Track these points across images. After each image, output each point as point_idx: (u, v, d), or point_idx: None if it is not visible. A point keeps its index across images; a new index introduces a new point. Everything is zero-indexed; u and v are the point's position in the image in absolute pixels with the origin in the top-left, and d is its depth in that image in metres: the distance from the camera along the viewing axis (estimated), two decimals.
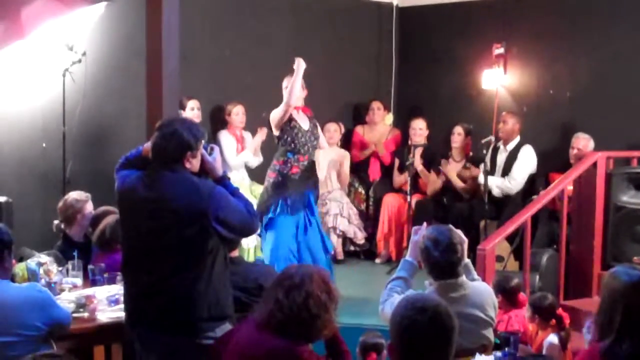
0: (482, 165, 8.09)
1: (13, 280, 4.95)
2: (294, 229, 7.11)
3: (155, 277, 4.18)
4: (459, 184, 8.50)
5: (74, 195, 6.19)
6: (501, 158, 8.37)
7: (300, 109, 7.29)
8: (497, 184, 8.19)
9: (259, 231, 6.54)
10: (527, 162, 8.23)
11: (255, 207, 4.43)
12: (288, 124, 7.16)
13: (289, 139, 7.17)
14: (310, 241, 7.17)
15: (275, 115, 7.15)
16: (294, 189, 7.12)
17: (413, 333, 3.12)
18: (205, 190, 4.15)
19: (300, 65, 7.07)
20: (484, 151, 8.32)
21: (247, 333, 3.84)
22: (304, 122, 7.26)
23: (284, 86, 7.20)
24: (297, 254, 7.07)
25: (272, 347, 3.67)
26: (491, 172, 8.24)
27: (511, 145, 8.32)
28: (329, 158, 8.75)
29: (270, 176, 7.23)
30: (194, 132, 4.25)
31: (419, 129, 8.88)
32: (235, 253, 4.68)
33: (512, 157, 8.28)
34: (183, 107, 8.10)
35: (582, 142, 7.74)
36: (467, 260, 4.52)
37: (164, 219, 4.12)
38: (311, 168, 7.34)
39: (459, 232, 4.49)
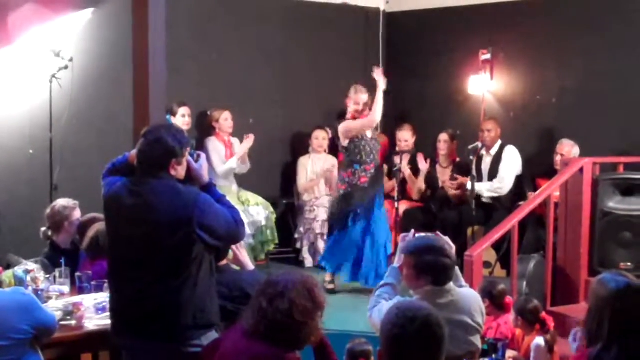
0: (471, 174, 8.12)
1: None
2: (361, 233, 7.60)
3: (140, 285, 4.15)
4: (450, 190, 8.51)
5: (61, 202, 6.16)
6: (486, 163, 8.40)
7: (363, 117, 7.56)
8: (487, 188, 8.22)
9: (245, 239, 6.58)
10: (513, 161, 8.28)
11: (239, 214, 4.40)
12: (357, 135, 7.29)
13: (356, 150, 7.55)
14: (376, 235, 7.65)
15: (352, 127, 7.41)
16: (364, 197, 7.60)
17: (403, 342, 3.12)
18: (189, 197, 4.13)
19: (382, 78, 7.48)
20: (471, 157, 8.30)
21: (234, 341, 3.82)
22: (369, 130, 7.51)
23: (353, 95, 7.61)
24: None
25: (260, 353, 3.65)
26: (478, 178, 8.25)
27: (494, 149, 8.36)
28: (318, 165, 8.75)
29: (341, 188, 7.67)
30: (180, 139, 4.24)
31: (404, 141, 8.87)
32: (224, 262, 4.66)
33: (497, 159, 8.32)
34: (174, 114, 8.09)
35: (567, 148, 7.77)
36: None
37: (149, 226, 4.10)
38: (377, 172, 7.76)
39: (447, 238, 4.49)
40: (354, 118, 7.66)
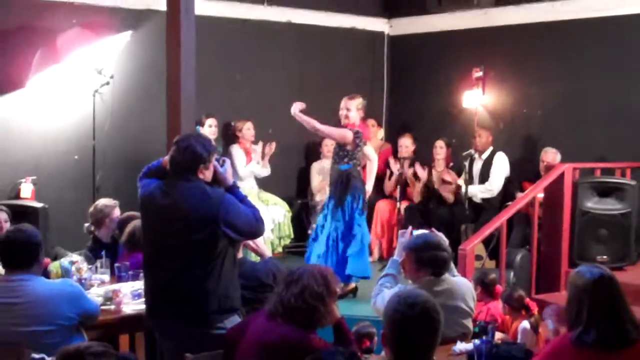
0: (462, 176, 8.11)
1: (48, 277, 4.97)
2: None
3: (171, 274, 4.16)
4: (441, 187, 8.49)
5: (103, 201, 6.18)
6: (477, 166, 8.38)
7: (348, 125, 7.16)
8: (479, 190, 8.21)
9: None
10: (502, 166, 8.25)
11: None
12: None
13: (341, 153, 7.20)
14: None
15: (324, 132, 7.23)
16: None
17: (404, 325, 3.12)
18: (216, 198, 4.14)
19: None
20: (465, 162, 8.32)
21: (258, 324, 3.84)
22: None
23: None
24: None
25: (285, 334, 3.67)
26: (470, 181, 8.25)
27: (485, 155, 8.34)
28: (328, 169, 8.74)
29: None
30: (207, 146, 4.25)
31: (405, 147, 8.87)
32: (239, 255, 4.66)
33: (488, 164, 8.29)
34: (202, 124, 8.11)
35: (550, 155, 7.75)
36: None
37: (180, 222, 4.12)
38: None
39: (441, 234, 4.50)
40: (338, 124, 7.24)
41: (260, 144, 8.46)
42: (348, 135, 7.03)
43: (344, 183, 7.03)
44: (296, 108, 7.01)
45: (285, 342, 3.66)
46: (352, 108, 7.13)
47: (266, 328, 3.76)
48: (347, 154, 7.07)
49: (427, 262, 4.31)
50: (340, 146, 7.11)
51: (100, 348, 2.84)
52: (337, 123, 7.23)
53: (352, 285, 7.23)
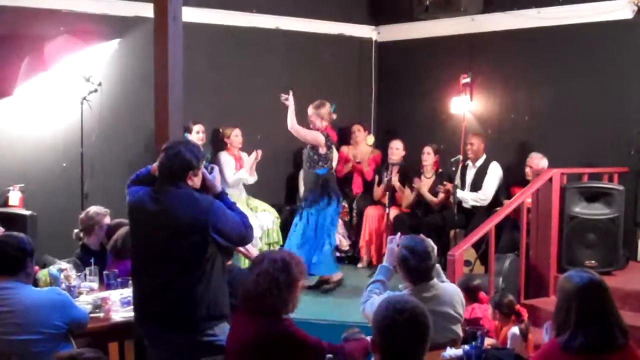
0: (454, 182, 8.12)
1: (36, 284, 4.95)
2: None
3: (160, 281, 4.16)
4: (431, 198, 8.47)
5: (94, 208, 6.16)
6: (470, 174, 8.37)
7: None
8: (472, 198, 8.20)
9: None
10: (495, 176, 8.23)
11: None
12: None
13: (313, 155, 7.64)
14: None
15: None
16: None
17: (393, 331, 3.12)
18: (205, 204, 4.14)
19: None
20: (453, 168, 8.32)
21: (235, 321, 3.91)
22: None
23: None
24: None
25: (254, 329, 3.73)
26: (461, 187, 8.26)
27: (479, 163, 8.32)
28: None
29: None
30: (196, 153, 4.25)
31: (396, 149, 8.83)
32: (228, 262, 4.66)
33: (481, 172, 8.28)
34: (189, 131, 8.10)
35: (535, 160, 7.75)
36: (437, 265, 4.51)
37: (169, 229, 4.11)
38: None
39: (430, 240, 4.49)
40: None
41: (253, 154, 8.42)
42: (320, 137, 7.51)
43: (322, 187, 7.47)
44: (291, 98, 7.47)
45: (258, 337, 3.71)
46: (314, 115, 7.58)
47: (241, 326, 3.82)
48: (320, 158, 7.52)
49: (409, 271, 4.34)
50: (314, 150, 7.52)
51: (93, 354, 2.86)
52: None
53: (339, 275, 7.73)
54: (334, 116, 7.76)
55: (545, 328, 4.42)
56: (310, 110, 7.61)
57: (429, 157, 8.71)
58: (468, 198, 8.20)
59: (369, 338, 3.94)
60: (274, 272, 3.78)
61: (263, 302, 3.76)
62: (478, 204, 8.17)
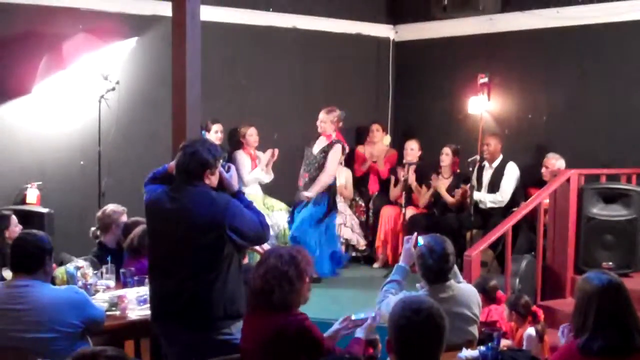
0: (471, 183, 8.09)
1: (53, 282, 4.97)
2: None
3: (177, 279, 4.16)
4: (448, 198, 8.44)
5: (112, 206, 6.19)
6: (487, 175, 8.34)
7: (322, 135, 7.90)
8: (489, 199, 8.18)
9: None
10: (513, 176, 8.20)
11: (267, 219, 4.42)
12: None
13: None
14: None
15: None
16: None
17: (409, 331, 3.10)
18: (222, 203, 4.14)
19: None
20: (470, 168, 8.28)
21: (248, 324, 3.90)
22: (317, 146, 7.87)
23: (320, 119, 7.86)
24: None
25: (263, 325, 3.72)
26: (478, 187, 8.23)
27: (496, 163, 8.30)
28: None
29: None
30: (213, 152, 4.25)
31: (411, 149, 8.83)
32: (245, 260, 4.68)
33: (498, 173, 8.24)
34: (208, 130, 8.13)
35: (552, 160, 7.71)
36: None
37: (186, 227, 4.11)
38: (311, 183, 7.86)
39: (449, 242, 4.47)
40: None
41: (269, 151, 8.44)
42: (340, 157, 8.05)
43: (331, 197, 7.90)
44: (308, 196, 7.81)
45: (280, 334, 3.69)
46: (327, 121, 7.87)
47: (255, 324, 3.81)
48: None
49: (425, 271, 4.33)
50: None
51: (115, 352, 2.89)
52: (342, 128, 7.46)
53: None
54: (341, 124, 8.00)
55: (561, 330, 4.39)
56: (322, 115, 7.83)
57: (447, 157, 8.67)
58: (486, 200, 8.18)
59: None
60: (282, 267, 3.78)
61: (273, 298, 3.76)
62: (496, 205, 8.14)
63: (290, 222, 8.01)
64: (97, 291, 5.14)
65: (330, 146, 7.82)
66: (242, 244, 4.22)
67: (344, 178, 8.91)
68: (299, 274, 3.81)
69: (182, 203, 4.15)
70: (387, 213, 8.83)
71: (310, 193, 7.79)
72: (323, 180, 7.79)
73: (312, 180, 7.81)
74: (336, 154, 7.87)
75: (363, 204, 9.10)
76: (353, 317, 4.10)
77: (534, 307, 5.39)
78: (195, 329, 4.14)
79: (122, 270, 5.43)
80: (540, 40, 8.46)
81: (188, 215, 4.11)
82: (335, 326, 4.12)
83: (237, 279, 4.22)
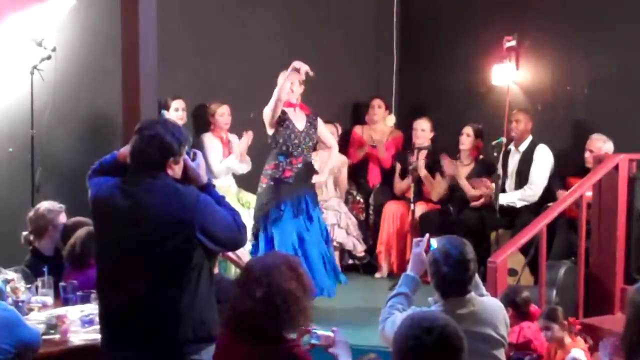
0: (496, 172, 8.10)
1: None
2: (293, 235, 7.24)
3: (135, 295, 4.15)
4: (469, 190, 8.43)
5: (46, 204, 6.18)
6: (513, 161, 8.39)
7: (296, 106, 7.38)
8: (518, 197, 8.22)
9: (248, 244, 6.52)
10: (545, 163, 8.26)
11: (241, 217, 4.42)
12: (281, 123, 7.22)
13: (281, 140, 7.26)
14: (312, 245, 7.31)
15: (266, 111, 7.23)
16: (288, 194, 7.23)
17: (419, 355, 3.11)
18: (190, 199, 4.13)
19: (296, 64, 7.11)
20: (495, 154, 8.27)
21: (223, 346, 3.86)
22: (299, 121, 7.34)
23: (278, 82, 7.24)
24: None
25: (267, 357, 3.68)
26: (503, 178, 8.24)
27: (523, 146, 8.35)
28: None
29: (263, 182, 7.33)
30: (177, 135, 4.23)
31: (421, 130, 8.86)
32: (215, 270, 4.68)
33: (526, 159, 8.30)
34: (167, 108, 8.12)
35: (597, 143, 7.74)
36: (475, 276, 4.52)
37: (145, 229, 4.10)
38: (307, 170, 7.45)
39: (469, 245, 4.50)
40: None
41: (244, 136, 8.43)
42: None
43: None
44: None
45: None
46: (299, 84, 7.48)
47: (231, 351, 3.76)
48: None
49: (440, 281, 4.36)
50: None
51: None
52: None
53: None
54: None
55: (601, 347, 4.43)
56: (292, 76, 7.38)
57: (467, 139, 8.71)
58: (514, 199, 8.19)
59: None
60: (290, 285, 3.71)
61: (267, 325, 3.68)
62: (527, 203, 8.17)
63: (256, 244, 7.47)
64: (31, 310, 5.16)
65: (313, 118, 7.59)
66: (214, 250, 4.23)
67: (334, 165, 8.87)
68: (305, 290, 3.78)
69: (139, 199, 4.14)
70: (392, 210, 8.87)
71: (323, 177, 7.70)
72: (334, 157, 7.89)
73: (308, 165, 7.53)
74: (324, 126, 7.82)
75: (361, 200, 9.14)
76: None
77: (572, 320, 5.41)
78: (157, 355, 4.15)
79: (61, 284, 5.45)
80: None
81: (147, 214, 4.11)
82: None
83: (208, 293, 4.22)
